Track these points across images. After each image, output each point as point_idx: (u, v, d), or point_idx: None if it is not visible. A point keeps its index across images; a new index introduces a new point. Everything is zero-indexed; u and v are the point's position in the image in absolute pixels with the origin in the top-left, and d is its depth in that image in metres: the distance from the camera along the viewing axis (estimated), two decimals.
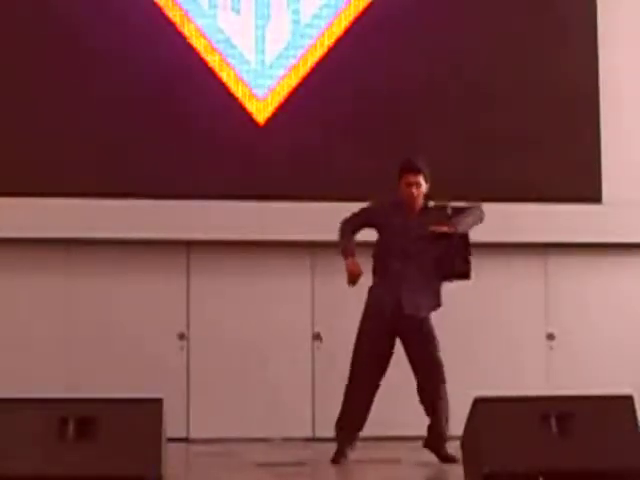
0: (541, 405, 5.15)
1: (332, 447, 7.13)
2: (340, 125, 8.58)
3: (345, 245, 6.69)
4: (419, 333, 6.72)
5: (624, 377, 8.34)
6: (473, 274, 6.69)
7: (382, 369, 6.73)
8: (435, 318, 8.64)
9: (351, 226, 6.78)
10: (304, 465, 6.92)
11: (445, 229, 6.57)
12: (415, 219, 6.68)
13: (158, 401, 5.01)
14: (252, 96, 8.67)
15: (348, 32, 8.76)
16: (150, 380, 8.06)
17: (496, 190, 8.66)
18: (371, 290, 6.75)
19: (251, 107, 8.65)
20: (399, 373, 8.31)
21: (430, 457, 7.16)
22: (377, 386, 6.73)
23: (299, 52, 8.73)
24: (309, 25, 8.78)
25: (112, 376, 8.12)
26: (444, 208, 6.70)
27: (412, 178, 6.70)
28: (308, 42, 8.74)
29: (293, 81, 8.70)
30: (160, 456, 4.87)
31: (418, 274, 6.63)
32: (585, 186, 8.79)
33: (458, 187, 8.60)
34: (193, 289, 8.55)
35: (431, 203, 6.77)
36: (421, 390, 6.75)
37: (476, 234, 8.54)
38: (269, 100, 8.68)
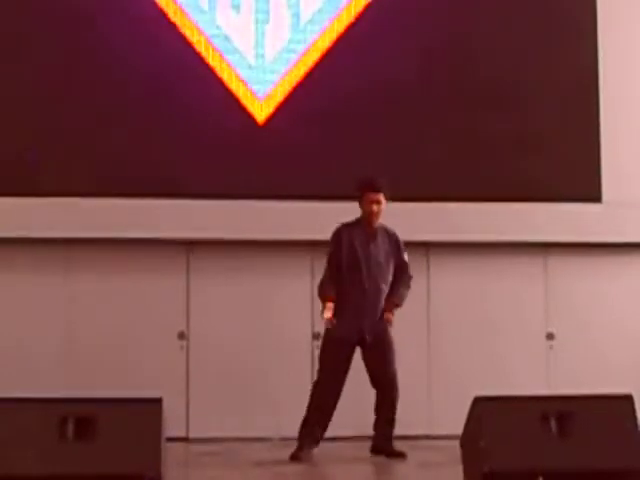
0: (541, 405, 5.16)
1: (332, 447, 7.15)
2: (340, 125, 8.58)
3: (325, 292, 7.09)
4: (378, 347, 7.09)
5: (624, 377, 8.34)
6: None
7: (344, 377, 7.06)
8: (435, 318, 8.68)
9: (331, 270, 7.12)
10: (304, 464, 6.92)
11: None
12: (373, 243, 7.08)
13: (158, 401, 5.01)
14: (252, 95, 8.67)
15: (348, 32, 8.76)
16: (150, 380, 8.06)
17: (496, 190, 8.67)
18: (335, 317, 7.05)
19: (251, 106, 8.65)
20: (399, 373, 8.32)
21: (430, 457, 7.17)
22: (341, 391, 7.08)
23: (299, 51, 8.72)
24: (309, 25, 8.78)
25: (112, 376, 8.12)
26: (396, 238, 7.16)
27: (373, 196, 7.07)
28: (308, 41, 8.74)
29: (293, 80, 8.70)
30: (160, 455, 4.87)
31: (375, 298, 7.05)
32: (585, 186, 8.78)
33: (458, 187, 8.63)
34: (193, 289, 8.55)
35: (387, 228, 7.19)
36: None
37: (477, 233, 8.59)
38: (269, 99, 8.67)
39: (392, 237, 7.18)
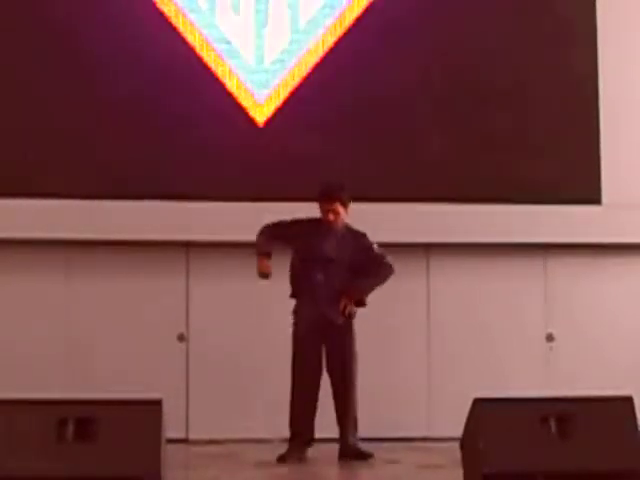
0: (541, 406, 5.16)
1: (332, 447, 7.14)
2: (339, 126, 8.58)
3: (261, 244, 7.12)
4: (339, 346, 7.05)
5: (624, 378, 8.34)
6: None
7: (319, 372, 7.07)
8: (435, 320, 8.68)
9: (273, 231, 7.13)
10: (303, 465, 6.92)
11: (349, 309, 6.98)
12: (334, 242, 7.00)
13: (157, 402, 5.01)
14: (251, 98, 8.67)
15: (347, 34, 8.75)
16: (150, 381, 8.06)
17: (496, 191, 8.67)
18: (296, 312, 7.17)
19: (250, 109, 8.65)
20: (398, 375, 8.34)
21: (429, 459, 7.17)
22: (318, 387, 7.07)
23: (299, 54, 8.72)
24: (309, 27, 8.78)
25: (112, 376, 8.12)
26: (364, 237, 7.07)
27: (327, 206, 6.99)
28: (308, 44, 8.74)
29: (293, 83, 8.70)
30: (159, 457, 4.87)
31: (333, 295, 6.98)
32: (585, 187, 8.78)
33: (458, 189, 8.63)
34: (192, 290, 8.55)
35: (353, 228, 7.11)
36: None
37: (477, 235, 8.59)
38: (268, 102, 8.67)
39: (358, 238, 7.07)
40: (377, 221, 8.40)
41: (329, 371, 7.11)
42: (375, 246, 7.08)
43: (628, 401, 5.22)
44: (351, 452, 6.99)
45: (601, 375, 8.48)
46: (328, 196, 7.01)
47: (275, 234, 7.13)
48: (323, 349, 7.09)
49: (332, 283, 6.99)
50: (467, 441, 5.27)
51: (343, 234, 7.07)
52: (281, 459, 6.87)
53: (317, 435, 8.14)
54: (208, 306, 8.52)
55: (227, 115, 8.59)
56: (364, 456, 6.95)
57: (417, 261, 8.68)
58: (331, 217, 7.01)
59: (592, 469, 5.01)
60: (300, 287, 7.14)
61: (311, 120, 8.57)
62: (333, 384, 7.08)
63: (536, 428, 5.07)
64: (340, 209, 7.02)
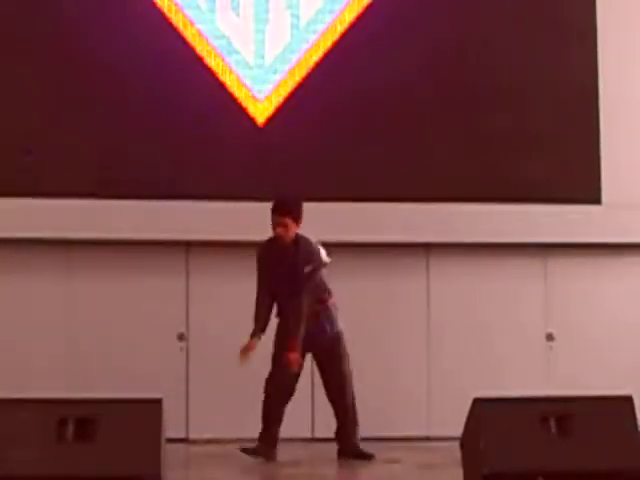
0: (541, 406, 5.16)
1: (331, 447, 7.15)
2: (340, 126, 8.58)
3: (258, 317, 7.16)
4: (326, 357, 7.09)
5: (624, 378, 8.34)
6: None
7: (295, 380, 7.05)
8: (435, 319, 8.68)
9: (264, 297, 7.15)
10: (303, 465, 6.92)
11: None
12: (285, 256, 6.94)
13: (157, 401, 5.01)
14: (252, 97, 8.67)
15: (347, 33, 8.75)
16: (150, 380, 8.06)
17: (496, 191, 8.67)
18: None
19: (251, 108, 8.65)
20: (398, 374, 8.33)
21: (429, 459, 7.17)
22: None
23: (299, 53, 8.72)
24: (308, 26, 8.78)
25: (112, 376, 8.11)
26: (304, 250, 6.95)
27: (277, 219, 6.94)
28: (307, 43, 8.74)
29: (293, 82, 8.70)
30: (159, 457, 4.87)
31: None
32: (585, 187, 8.78)
33: (458, 187, 8.63)
34: (192, 290, 8.55)
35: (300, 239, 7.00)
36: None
37: (477, 235, 8.60)
38: (269, 101, 8.67)
39: (300, 249, 6.99)
40: (377, 221, 8.41)
41: (323, 382, 7.16)
42: (308, 269, 6.95)
43: (628, 401, 5.22)
44: (351, 452, 6.99)
45: (601, 375, 8.48)
46: (280, 210, 6.95)
47: (265, 291, 7.14)
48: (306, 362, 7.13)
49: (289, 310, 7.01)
50: (467, 441, 5.27)
51: (293, 253, 6.98)
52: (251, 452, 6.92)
53: (317, 435, 8.18)
54: (208, 306, 8.52)
55: (227, 114, 8.59)
56: (364, 456, 6.96)
57: (417, 261, 8.68)
58: (280, 231, 6.95)
59: (592, 469, 5.01)
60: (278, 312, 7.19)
61: (311, 119, 8.57)
62: (327, 391, 7.14)
63: (536, 428, 5.07)
64: (290, 223, 6.95)
